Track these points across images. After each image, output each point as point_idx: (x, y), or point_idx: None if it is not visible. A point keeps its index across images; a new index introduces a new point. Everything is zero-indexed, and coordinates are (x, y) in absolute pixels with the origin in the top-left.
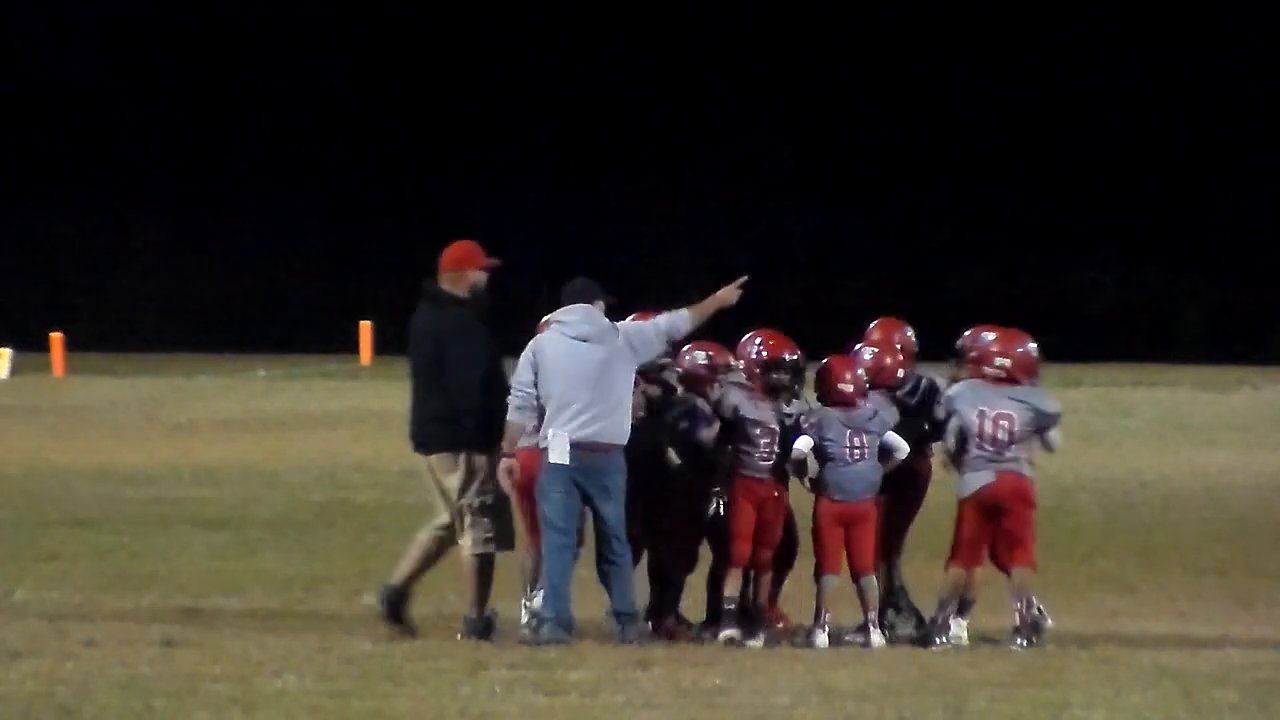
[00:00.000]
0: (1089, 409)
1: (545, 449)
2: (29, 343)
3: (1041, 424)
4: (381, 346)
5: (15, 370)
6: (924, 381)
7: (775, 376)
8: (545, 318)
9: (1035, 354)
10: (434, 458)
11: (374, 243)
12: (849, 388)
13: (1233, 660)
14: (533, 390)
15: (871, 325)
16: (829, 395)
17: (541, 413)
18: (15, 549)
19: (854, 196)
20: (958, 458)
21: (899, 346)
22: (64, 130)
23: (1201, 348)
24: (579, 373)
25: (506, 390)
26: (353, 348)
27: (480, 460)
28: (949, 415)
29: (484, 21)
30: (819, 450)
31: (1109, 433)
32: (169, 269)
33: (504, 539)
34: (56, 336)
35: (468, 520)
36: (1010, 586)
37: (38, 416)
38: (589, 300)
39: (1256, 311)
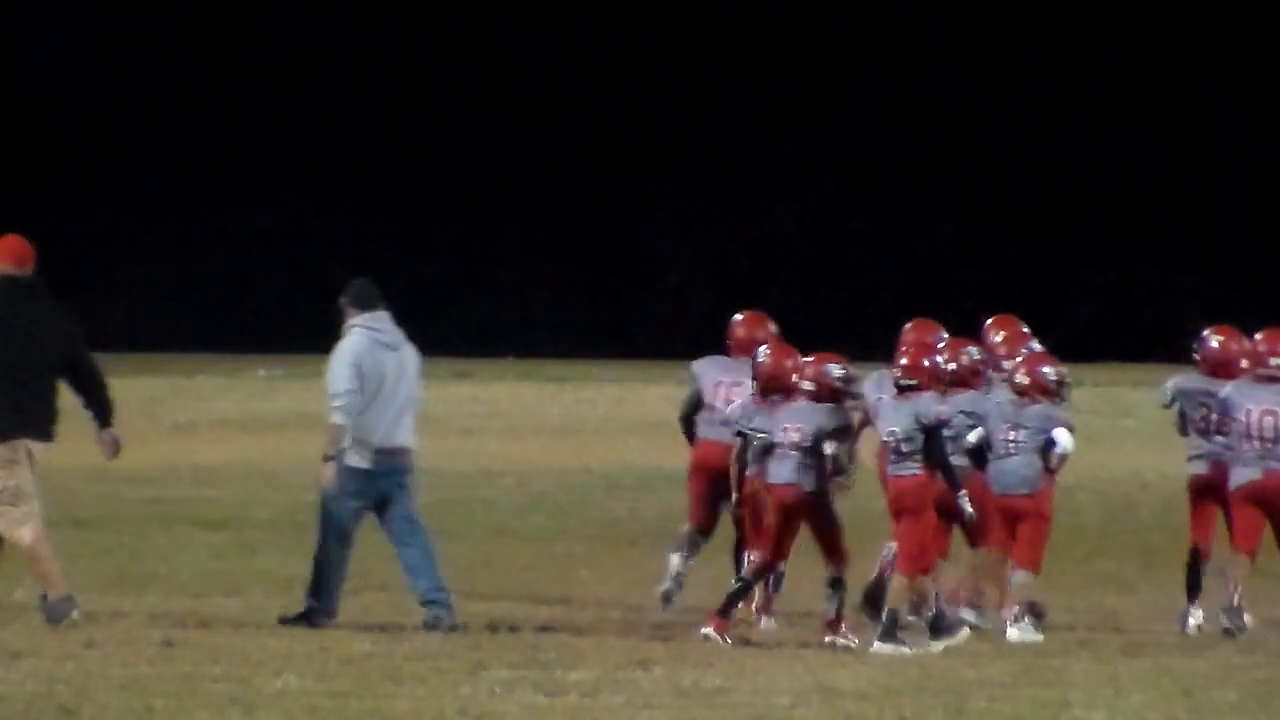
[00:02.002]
0: (1089, 409)
1: (341, 452)
2: None
3: None
4: None
5: None
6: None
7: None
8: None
9: None
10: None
11: (375, 243)
12: (1026, 380)
13: (1233, 660)
14: (360, 397)
15: (989, 322)
16: (1018, 389)
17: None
18: (15, 549)
19: (851, 194)
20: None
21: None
22: (64, 130)
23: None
24: (391, 379)
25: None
26: None
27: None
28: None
29: (484, 20)
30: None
31: (1109, 433)
32: (169, 269)
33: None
34: None
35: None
36: (1228, 571)
37: None
38: (384, 306)
39: (1256, 311)
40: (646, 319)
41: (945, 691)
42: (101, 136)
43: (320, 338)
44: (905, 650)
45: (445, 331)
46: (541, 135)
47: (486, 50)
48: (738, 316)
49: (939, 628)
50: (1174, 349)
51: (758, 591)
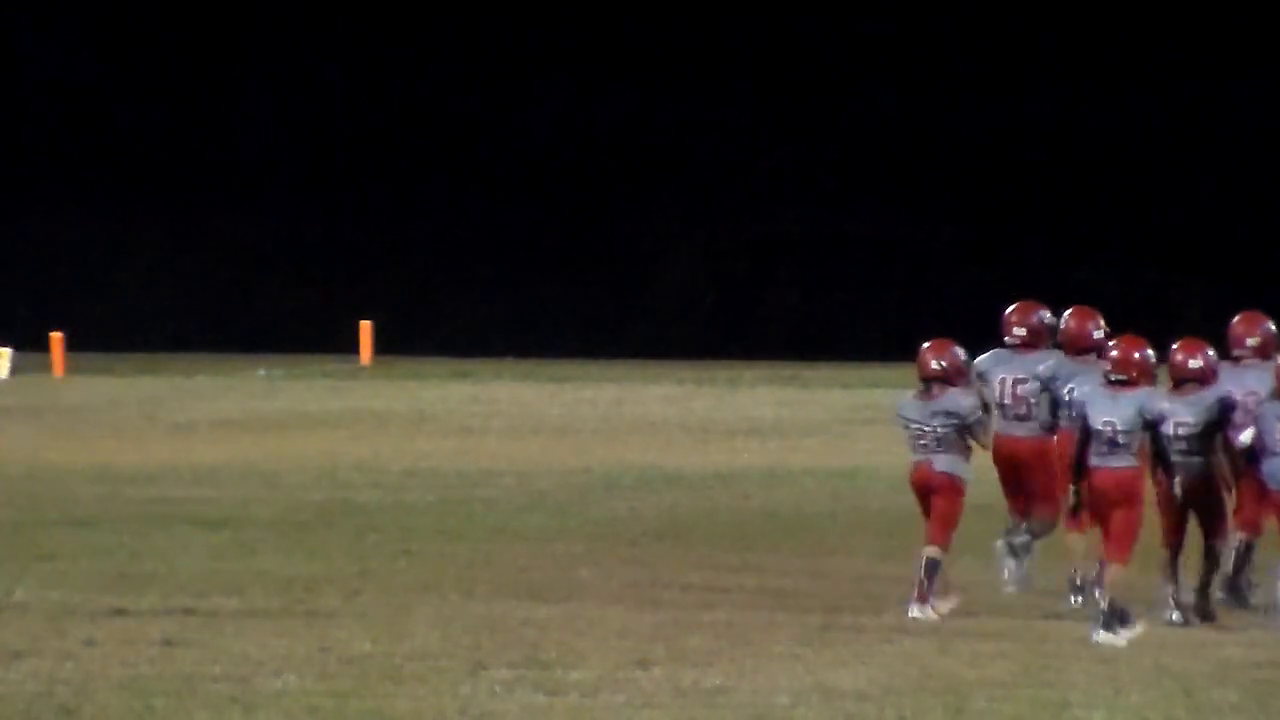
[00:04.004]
0: None
1: None
2: (29, 343)
3: None
4: (381, 346)
5: (15, 370)
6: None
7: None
8: None
9: None
10: None
11: (374, 243)
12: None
13: (1233, 660)
14: None
15: (1236, 319)
16: None
17: None
18: (15, 549)
19: (851, 195)
20: None
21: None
22: (63, 130)
23: None
24: None
25: None
26: (353, 348)
27: None
28: None
29: (483, 21)
30: (1259, 440)
31: None
32: (169, 269)
33: None
34: (56, 336)
35: None
36: None
37: (38, 416)
38: None
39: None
40: (647, 319)
41: (945, 691)
42: (101, 136)
43: (321, 338)
44: (1121, 641)
45: (445, 331)
46: (541, 134)
47: (486, 48)
48: (1011, 308)
49: (1124, 619)
50: None
51: (928, 577)
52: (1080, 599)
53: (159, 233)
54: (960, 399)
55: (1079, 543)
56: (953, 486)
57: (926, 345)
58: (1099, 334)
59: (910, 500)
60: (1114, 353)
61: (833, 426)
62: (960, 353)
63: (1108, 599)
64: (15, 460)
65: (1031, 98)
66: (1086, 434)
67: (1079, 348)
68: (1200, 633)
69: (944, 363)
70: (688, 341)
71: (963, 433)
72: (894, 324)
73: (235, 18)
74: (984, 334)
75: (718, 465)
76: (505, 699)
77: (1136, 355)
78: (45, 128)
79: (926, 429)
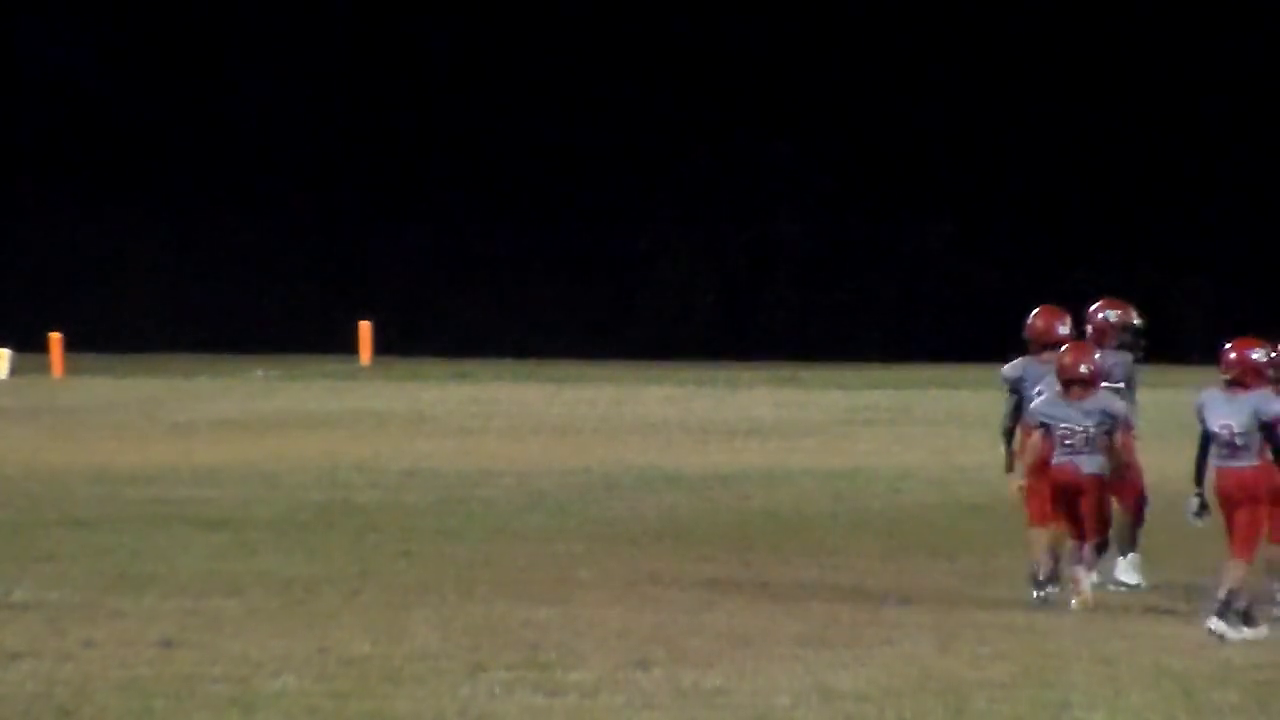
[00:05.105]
0: None
1: None
2: (29, 343)
3: None
4: (381, 346)
5: (15, 370)
6: None
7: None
8: None
9: None
10: None
11: (374, 243)
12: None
13: (1233, 660)
14: None
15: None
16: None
17: None
18: (14, 549)
19: (851, 195)
20: None
21: None
22: (64, 131)
23: (1201, 348)
24: None
25: None
26: (353, 348)
27: None
28: None
29: (480, 21)
30: None
31: None
32: (168, 269)
33: None
34: (56, 336)
35: None
36: None
37: (37, 416)
38: None
39: (1257, 311)
40: (647, 319)
41: (945, 692)
42: (101, 138)
43: (321, 338)
44: (1233, 633)
45: (445, 331)
46: (542, 135)
47: (487, 51)
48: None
49: (1249, 617)
50: (1174, 350)
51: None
52: (1042, 593)
53: (158, 233)
54: (1114, 401)
55: (1040, 537)
56: (1100, 485)
57: (1066, 348)
58: (1063, 330)
59: (909, 500)
60: (1230, 355)
61: (832, 427)
62: (1100, 356)
63: (1227, 593)
64: (15, 460)
65: (1031, 99)
66: (1206, 437)
67: (1044, 345)
68: (1200, 633)
69: (1091, 366)
70: (688, 341)
71: (1111, 433)
72: (893, 324)
73: (235, 18)
74: (982, 334)
75: (718, 465)
76: (505, 700)
77: (1252, 356)
78: (46, 129)
79: (1078, 429)
